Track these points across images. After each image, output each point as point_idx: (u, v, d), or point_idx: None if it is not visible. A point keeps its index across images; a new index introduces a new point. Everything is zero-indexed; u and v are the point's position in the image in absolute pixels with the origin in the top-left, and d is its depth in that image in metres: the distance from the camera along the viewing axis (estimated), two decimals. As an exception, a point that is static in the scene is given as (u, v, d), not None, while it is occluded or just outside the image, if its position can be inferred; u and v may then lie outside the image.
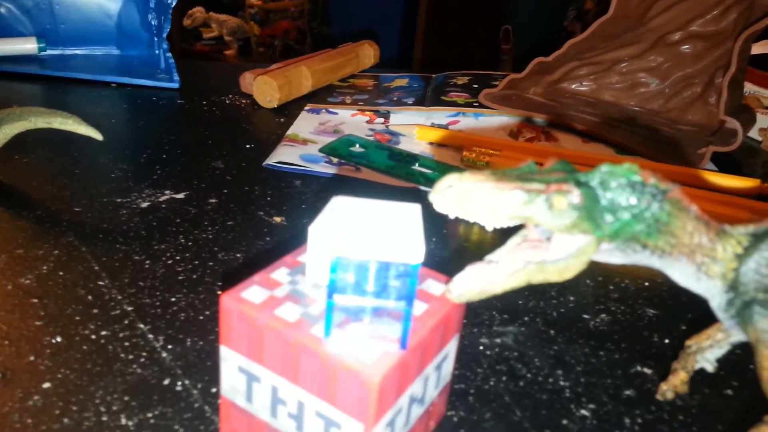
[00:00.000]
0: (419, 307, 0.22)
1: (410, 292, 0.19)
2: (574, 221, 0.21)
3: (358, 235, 0.19)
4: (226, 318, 0.22)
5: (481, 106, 0.63)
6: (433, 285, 0.23)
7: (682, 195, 0.23)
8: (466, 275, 0.22)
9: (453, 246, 0.40)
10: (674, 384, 0.28)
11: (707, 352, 0.27)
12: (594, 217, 0.21)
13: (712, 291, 0.24)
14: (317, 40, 2.84)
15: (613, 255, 0.23)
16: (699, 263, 0.23)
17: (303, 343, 0.20)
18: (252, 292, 0.22)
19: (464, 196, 0.20)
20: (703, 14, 0.59)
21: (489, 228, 0.21)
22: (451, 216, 0.21)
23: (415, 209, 0.21)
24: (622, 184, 0.22)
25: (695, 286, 0.24)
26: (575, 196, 0.21)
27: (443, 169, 0.51)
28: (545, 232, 0.23)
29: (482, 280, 0.22)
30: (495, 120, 0.62)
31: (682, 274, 0.24)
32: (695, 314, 0.35)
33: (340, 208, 0.21)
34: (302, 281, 0.23)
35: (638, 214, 0.22)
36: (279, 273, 0.23)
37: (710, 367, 0.28)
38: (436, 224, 0.41)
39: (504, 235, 0.24)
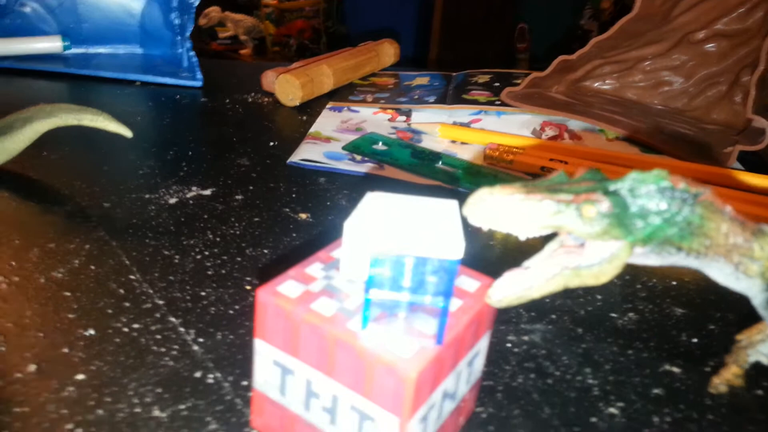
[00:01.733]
0: (454, 304, 0.22)
1: (448, 288, 0.20)
2: (604, 228, 0.22)
3: (397, 230, 0.19)
4: (262, 312, 0.22)
5: (503, 104, 0.63)
6: (467, 281, 0.23)
7: (715, 197, 0.23)
8: (505, 281, 0.23)
9: (479, 244, 0.40)
10: (726, 378, 0.29)
11: (759, 345, 0.27)
12: (625, 224, 0.22)
13: (753, 289, 0.24)
14: (332, 39, 2.84)
15: (649, 258, 0.24)
16: (736, 263, 0.24)
17: (339, 338, 0.20)
18: (287, 286, 0.22)
19: (496, 208, 0.21)
20: (728, 12, 0.58)
21: (522, 238, 0.22)
22: (485, 228, 0.21)
23: (452, 205, 0.21)
24: (651, 191, 0.22)
25: (735, 285, 0.24)
26: (604, 204, 0.21)
27: (466, 167, 0.51)
28: (579, 239, 0.23)
29: (520, 285, 0.23)
30: (517, 118, 0.62)
31: (721, 273, 0.24)
32: (724, 313, 0.35)
33: (375, 203, 0.21)
34: (336, 276, 0.23)
35: (669, 219, 0.22)
36: (313, 268, 0.23)
37: (766, 360, 0.28)
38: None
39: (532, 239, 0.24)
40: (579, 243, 0.23)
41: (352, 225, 0.21)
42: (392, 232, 0.19)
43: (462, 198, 0.22)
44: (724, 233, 0.23)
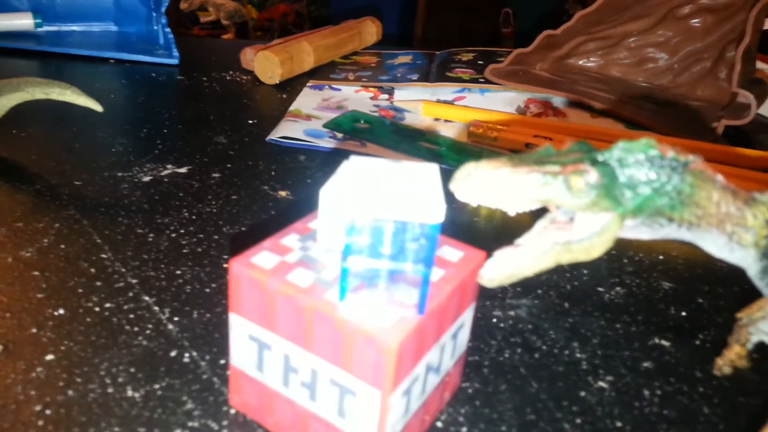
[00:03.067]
0: (436, 273, 0.21)
1: (428, 255, 0.19)
2: (593, 200, 0.21)
3: (375, 195, 0.18)
4: (236, 284, 0.21)
5: (487, 81, 0.62)
6: (449, 251, 0.23)
7: (705, 165, 0.23)
8: (496, 260, 0.22)
9: (464, 219, 0.39)
10: (730, 358, 0.28)
11: (760, 323, 0.27)
12: (614, 195, 0.21)
13: (747, 260, 0.23)
14: (315, 23, 2.81)
15: (640, 231, 0.23)
16: (730, 233, 0.23)
17: (317, 309, 0.19)
18: (262, 257, 0.21)
19: (483, 183, 0.20)
20: (714, -14, 0.58)
21: (512, 213, 0.21)
22: (473, 204, 0.21)
23: (432, 169, 0.20)
24: (640, 160, 0.22)
25: (730, 257, 0.23)
26: (592, 175, 0.21)
27: (449, 144, 0.50)
28: (569, 213, 0.23)
29: (512, 263, 0.22)
30: (501, 96, 0.61)
31: (715, 245, 0.23)
32: (712, 287, 0.35)
33: (353, 169, 0.20)
34: (313, 247, 0.22)
35: (659, 188, 0.22)
36: (289, 239, 0.22)
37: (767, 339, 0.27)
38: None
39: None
40: (569, 218, 0.23)
41: (329, 191, 0.20)
42: (369, 197, 0.18)
43: (447, 175, 0.21)
44: (715, 202, 0.23)
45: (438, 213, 0.18)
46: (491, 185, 0.20)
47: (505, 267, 0.22)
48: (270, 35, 2.83)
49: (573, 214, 0.22)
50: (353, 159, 0.21)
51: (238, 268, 0.20)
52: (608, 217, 0.22)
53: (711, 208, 0.23)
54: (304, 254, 0.21)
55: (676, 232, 0.23)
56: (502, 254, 0.22)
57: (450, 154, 0.48)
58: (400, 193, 0.18)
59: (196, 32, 2.81)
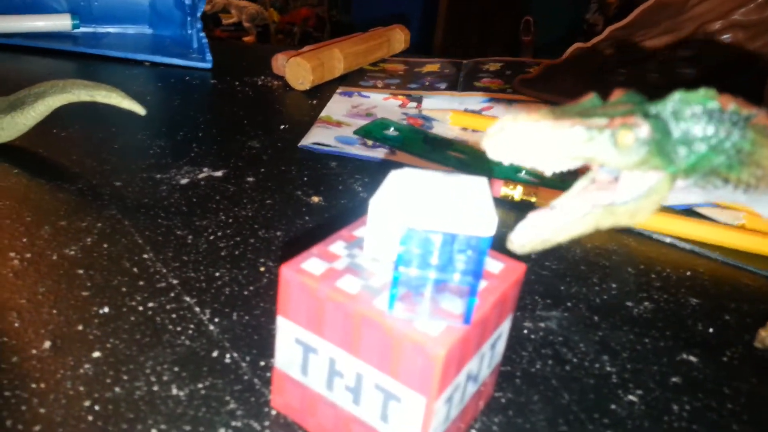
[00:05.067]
0: (479, 284, 0.22)
1: (478, 267, 0.19)
2: (642, 158, 0.19)
3: (428, 206, 0.19)
4: (286, 289, 0.21)
5: (515, 92, 0.62)
6: (491, 263, 0.23)
7: None
8: (530, 223, 0.20)
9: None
10: None
11: None
12: (666, 152, 0.19)
13: None
14: (336, 27, 2.83)
15: (691, 192, 0.21)
16: None
17: (365, 315, 0.20)
18: (311, 263, 0.22)
19: (519, 138, 0.18)
20: (747, 3, 0.58)
21: (548, 173, 0.19)
22: (506, 162, 0.19)
23: (481, 182, 0.21)
24: (697, 113, 0.19)
25: None
26: (643, 129, 0.19)
27: (477, 155, 0.50)
28: (613, 172, 0.21)
29: (546, 227, 0.20)
30: (529, 107, 0.61)
31: None
32: (739, 304, 0.35)
33: (402, 180, 0.21)
34: (360, 255, 0.22)
35: (717, 145, 0.20)
36: (336, 246, 0.23)
37: None
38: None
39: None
40: (613, 178, 0.21)
41: (379, 201, 0.21)
42: (422, 208, 0.19)
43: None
44: None
45: (490, 226, 0.18)
46: (528, 141, 0.18)
47: (539, 231, 0.20)
48: (291, 39, 2.86)
49: (618, 173, 0.20)
50: (401, 170, 0.21)
51: (288, 273, 0.21)
52: (657, 177, 0.20)
53: None
54: (351, 261, 0.22)
55: (731, 194, 0.21)
56: (536, 217, 0.21)
57: (478, 164, 0.48)
58: (452, 205, 0.19)
59: (218, 34, 2.84)
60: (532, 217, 0.21)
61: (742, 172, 0.20)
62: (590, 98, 0.20)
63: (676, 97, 0.20)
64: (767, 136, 0.20)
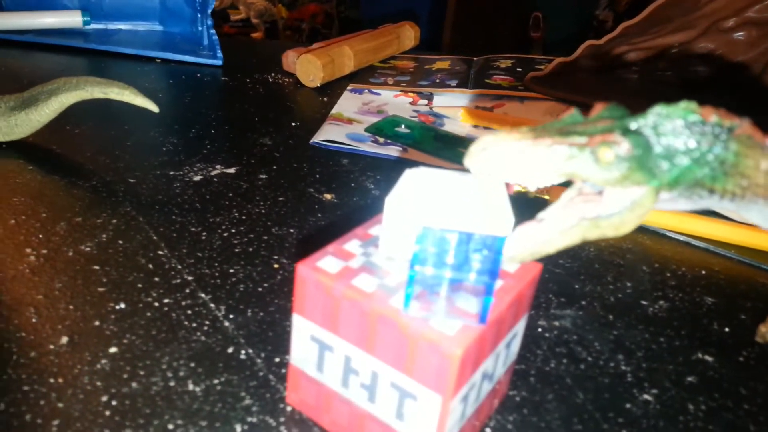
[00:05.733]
0: (495, 284, 0.22)
1: (494, 267, 0.19)
2: (624, 173, 0.19)
3: (444, 205, 0.19)
4: (302, 286, 0.22)
5: (527, 89, 0.62)
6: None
7: (754, 130, 0.21)
8: (519, 236, 0.21)
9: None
10: None
11: None
12: (648, 167, 0.20)
13: None
14: (345, 24, 2.82)
15: (677, 203, 0.21)
16: None
17: (381, 314, 0.20)
18: (327, 262, 0.22)
19: (502, 157, 0.19)
20: (760, 0, 0.57)
21: (532, 189, 0.20)
22: (490, 180, 0.19)
23: (497, 181, 0.21)
24: (678, 127, 0.20)
25: None
26: (623, 147, 0.19)
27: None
28: (597, 187, 0.21)
29: (535, 239, 0.21)
30: (541, 104, 0.61)
31: (761, 216, 0.22)
32: (755, 303, 0.35)
33: (417, 178, 0.21)
34: (375, 253, 0.22)
35: (699, 158, 0.20)
36: (351, 244, 0.23)
37: None
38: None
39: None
40: (598, 190, 0.21)
41: (394, 200, 0.21)
42: (438, 207, 0.19)
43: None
44: (764, 171, 0.20)
45: (506, 225, 0.18)
46: (510, 159, 0.19)
47: (528, 244, 0.21)
48: (299, 35, 2.86)
49: (602, 187, 0.21)
50: (417, 169, 0.21)
51: (304, 271, 0.21)
52: (641, 190, 0.20)
53: (758, 177, 0.21)
54: (366, 260, 0.22)
55: (718, 203, 0.21)
56: (524, 230, 0.21)
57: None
58: (469, 205, 0.19)
59: (227, 30, 2.85)
60: (521, 229, 0.21)
61: (727, 182, 0.21)
62: (571, 114, 0.21)
63: (656, 111, 0.20)
64: (751, 147, 0.20)
